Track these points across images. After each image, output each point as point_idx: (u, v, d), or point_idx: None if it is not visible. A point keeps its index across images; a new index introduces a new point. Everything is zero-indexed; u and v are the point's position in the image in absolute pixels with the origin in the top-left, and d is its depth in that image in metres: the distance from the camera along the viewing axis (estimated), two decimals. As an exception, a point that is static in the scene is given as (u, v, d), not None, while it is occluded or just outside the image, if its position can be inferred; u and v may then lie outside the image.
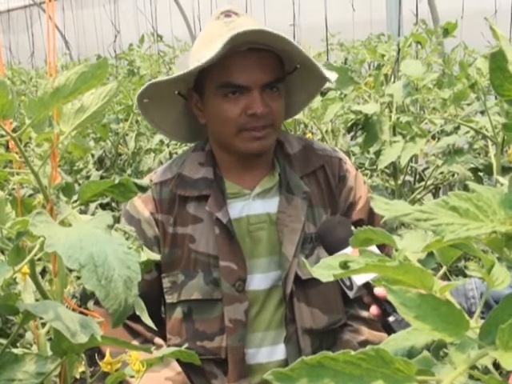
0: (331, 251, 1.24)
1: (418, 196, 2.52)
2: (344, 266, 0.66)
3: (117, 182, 0.83)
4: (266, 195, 1.65)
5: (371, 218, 1.67)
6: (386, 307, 1.15)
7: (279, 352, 1.62)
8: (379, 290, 1.14)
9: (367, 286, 1.18)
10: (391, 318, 1.14)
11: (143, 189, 0.84)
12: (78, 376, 1.50)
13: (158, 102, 1.63)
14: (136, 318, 1.00)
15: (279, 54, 1.58)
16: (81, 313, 0.90)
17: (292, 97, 1.72)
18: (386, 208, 0.55)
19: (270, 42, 1.51)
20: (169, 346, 1.63)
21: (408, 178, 2.69)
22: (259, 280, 1.62)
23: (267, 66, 1.55)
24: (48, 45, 1.02)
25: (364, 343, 1.65)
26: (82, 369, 1.40)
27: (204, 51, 1.51)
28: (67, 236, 0.67)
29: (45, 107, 0.81)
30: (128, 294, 0.67)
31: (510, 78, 0.51)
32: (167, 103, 1.66)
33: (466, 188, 2.25)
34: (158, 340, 1.63)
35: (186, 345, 1.53)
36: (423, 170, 2.89)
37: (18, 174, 1.07)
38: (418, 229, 0.72)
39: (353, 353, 0.49)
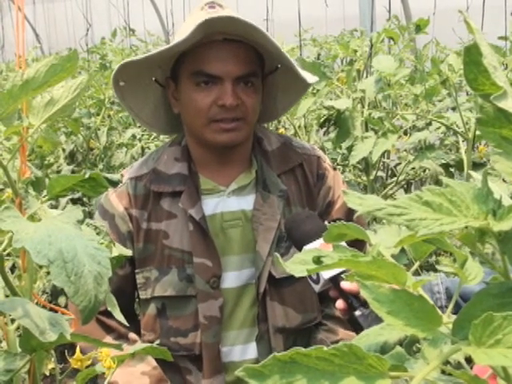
0: (299, 245, 1.23)
1: (390, 191, 2.53)
2: (317, 261, 0.66)
3: (87, 176, 0.82)
4: (241, 192, 1.63)
5: (350, 217, 1.63)
6: (352, 301, 1.14)
7: (251, 351, 1.61)
8: (346, 284, 1.13)
9: (334, 280, 1.16)
10: (357, 313, 1.14)
11: (114, 183, 0.83)
12: (47, 373, 1.49)
13: (134, 87, 1.61)
14: (110, 314, 0.99)
15: (259, 50, 1.56)
16: (51, 309, 0.89)
17: (275, 100, 1.71)
18: (360, 203, 0.54)
19: (244, 32, 1.49)
20: (143, 341, 1.61)
21: (380, 173, 2.70)
22: (232, 278, 1.60)
23: (242, 59, 1.52)
24: (17, 37, 1.01)
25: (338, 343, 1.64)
26: (51, 365, 1.39)
27: (179, 37, 1.48)
28: (36, 231, 0.66)
29: (14, 100, 0.79)
30: (98, 290, 0.66)
31: (484, 71, 0.51)
32: (145, 91, 1.64)
33: (437, 183, 2.26)
34: (132, 335, 1.61)
35: (158, 341, 1.53)
36: (395, 166, 2.90)
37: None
38: (392, 224, 0.72)
39: (325, 349, 0.48)
